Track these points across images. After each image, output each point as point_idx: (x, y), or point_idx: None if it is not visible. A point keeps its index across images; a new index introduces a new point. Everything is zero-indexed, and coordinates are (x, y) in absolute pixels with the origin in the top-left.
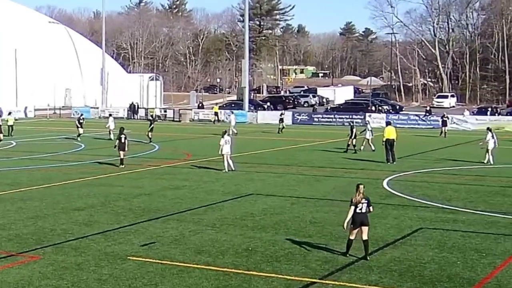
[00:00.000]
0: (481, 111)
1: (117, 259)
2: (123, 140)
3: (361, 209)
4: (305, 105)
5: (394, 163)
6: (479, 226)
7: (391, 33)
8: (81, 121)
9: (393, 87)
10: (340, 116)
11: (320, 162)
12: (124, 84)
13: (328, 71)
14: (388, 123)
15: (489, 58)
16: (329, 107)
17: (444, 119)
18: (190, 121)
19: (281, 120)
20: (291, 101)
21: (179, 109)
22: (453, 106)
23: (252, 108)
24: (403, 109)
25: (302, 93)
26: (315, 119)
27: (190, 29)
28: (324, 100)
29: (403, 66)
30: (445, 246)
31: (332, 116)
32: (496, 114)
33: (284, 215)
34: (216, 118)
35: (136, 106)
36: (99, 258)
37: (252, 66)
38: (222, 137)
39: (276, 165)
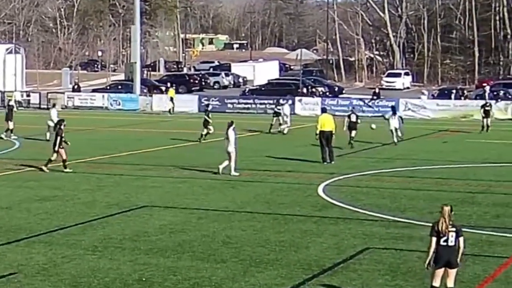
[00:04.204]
0: (444, 94)
1: None
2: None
3: (446, 241)
4: (215, 87)
5: (332, 162)
6: None
7: None
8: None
9: (331, 62)
10: (262, 102)
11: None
12: None
13: (245, 42)
14: (323, 110)
15: (453, 25)
16: (247, 89)
17: (487, 108)
18: (62, 108)
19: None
20: (196, 82)
21: (48, 93)
22: (408, 87)
23: (145, 91)
24: (344, 92)
25: (211, 70)
26: (229, 105)
27: None
28: (241, 80)
29: (343, 35)
30: (398, 271)
31: (251, 101)
32: (463, 98)
33: (188, 234)
34: (172, 106)
35: None
36: None
37: (145, 35)
38: (233, 129)
39: (178, 167)
